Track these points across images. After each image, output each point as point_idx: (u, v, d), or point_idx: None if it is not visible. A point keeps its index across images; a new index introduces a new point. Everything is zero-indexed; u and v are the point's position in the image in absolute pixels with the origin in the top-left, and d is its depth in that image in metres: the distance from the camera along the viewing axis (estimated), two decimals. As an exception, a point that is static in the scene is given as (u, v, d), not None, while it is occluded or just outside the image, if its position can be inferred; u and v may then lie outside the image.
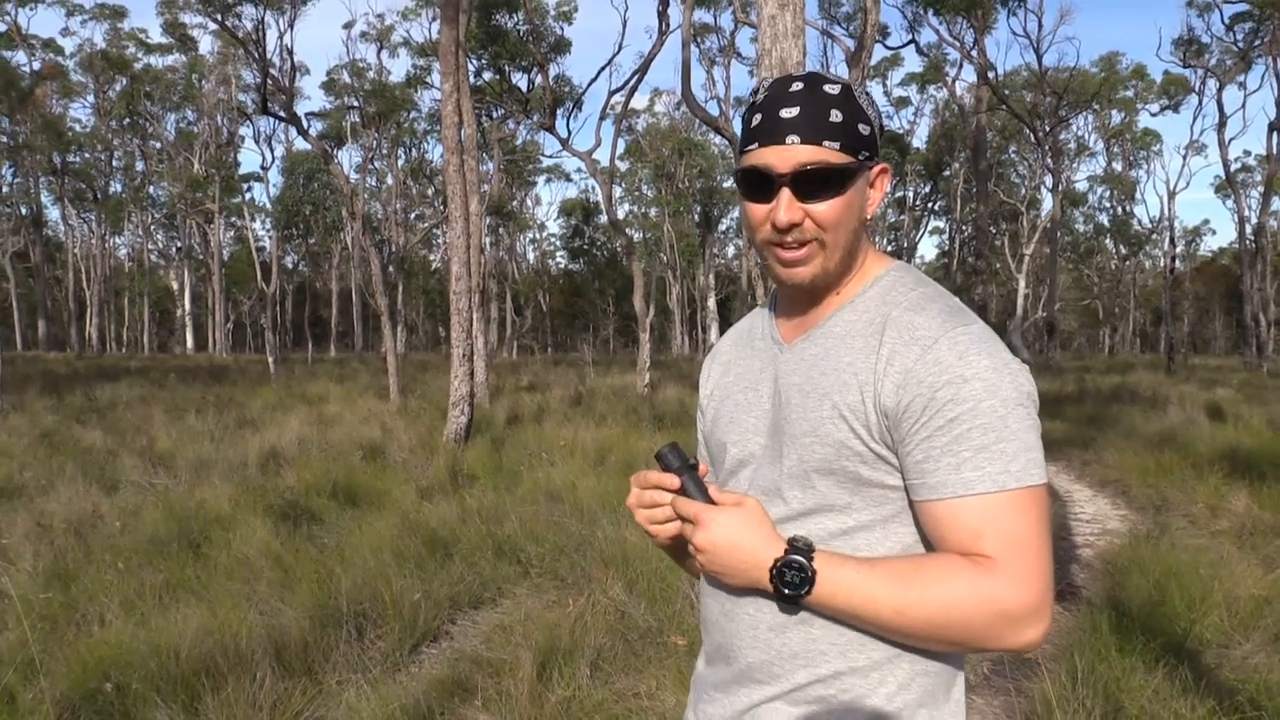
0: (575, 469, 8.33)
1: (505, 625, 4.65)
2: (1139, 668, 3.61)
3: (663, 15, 18.17)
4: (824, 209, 1.19)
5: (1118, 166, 52.39)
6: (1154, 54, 65.76)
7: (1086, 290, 63.28)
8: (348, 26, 45.69)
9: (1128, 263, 58.62)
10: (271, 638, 4.20)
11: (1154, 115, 44.25)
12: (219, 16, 18.59)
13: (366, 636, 4.61)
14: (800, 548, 1.14)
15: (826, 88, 1.19)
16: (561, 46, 24.52)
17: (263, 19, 18.21)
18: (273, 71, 18.25)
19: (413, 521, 6.29)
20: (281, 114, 17.84)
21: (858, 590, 1.13)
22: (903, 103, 49.95)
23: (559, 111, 23.44)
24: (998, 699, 4.06)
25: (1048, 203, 38.18)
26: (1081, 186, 53.41)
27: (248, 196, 55.35)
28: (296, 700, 3.66)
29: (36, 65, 46.00)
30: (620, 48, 48.46)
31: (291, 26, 21.57)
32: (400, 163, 47.66)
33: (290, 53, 20.63)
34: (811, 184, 1.18)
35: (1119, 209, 53.73)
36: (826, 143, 1.18)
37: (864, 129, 1.21)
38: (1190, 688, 3.38)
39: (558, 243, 61.46)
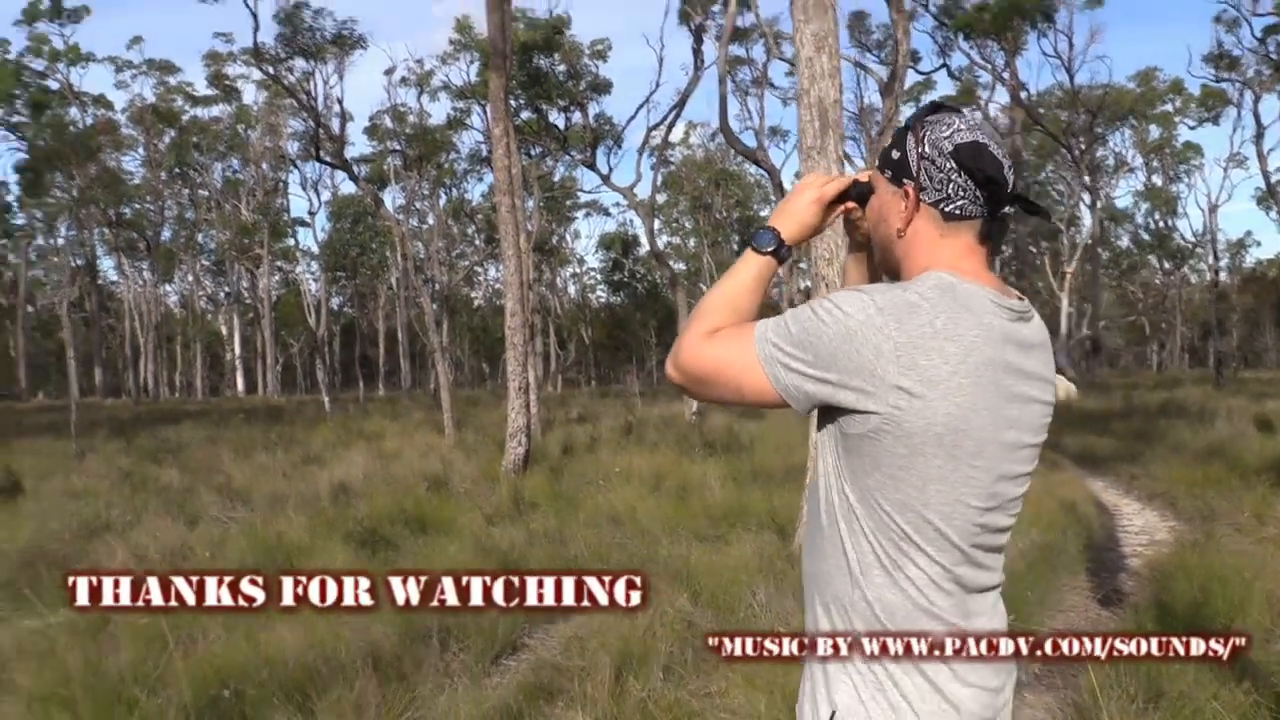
0: (632, 494, 8.67)
1: (579, 636, 4.96)
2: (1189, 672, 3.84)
3: (697, 53, 18.68)
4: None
5: (1158, 181, 52.06)
6: (1185, 70, 65.51)
7: (1131, 306, 62.69)
8: (389, 73, 46.68)
9: (1172, 277, 58.04)
10: (366, 650, 4.54)
11: (1193, 129, 44.05)
12: (270, 69, 19.40)
13: (450, 649, 4.93)
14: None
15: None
16: (601, 87, 25.12)
17: (313, 71, 18.97)
18: (323, 121, 18.98)
19: (484, 545, 6.64)
20: (333, 161, 18.51)
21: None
22: (937, 126, 50.04)
23: (599, 149, 24.00)
24: (1049, 694, 4.30)
25: (1088, 220, 38.08)
26: (1122, 202, 53.14)
27: (291, 242, 56.72)
28: (397, 703, 3.99)
29: (89, 120, 47.62)
30: (657, 85, 49.40)
31: (341, 77, 22.31)
32: (441, 203, 48.58)
33: (340, 102, 21.40)
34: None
35: (1161, 224, 53.34)
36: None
37: (894, 154, 1.54)
38: (1227, 676, 3.61)
39: (598, 276, 62.10)
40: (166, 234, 54.08)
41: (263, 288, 50.14)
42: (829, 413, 1.45)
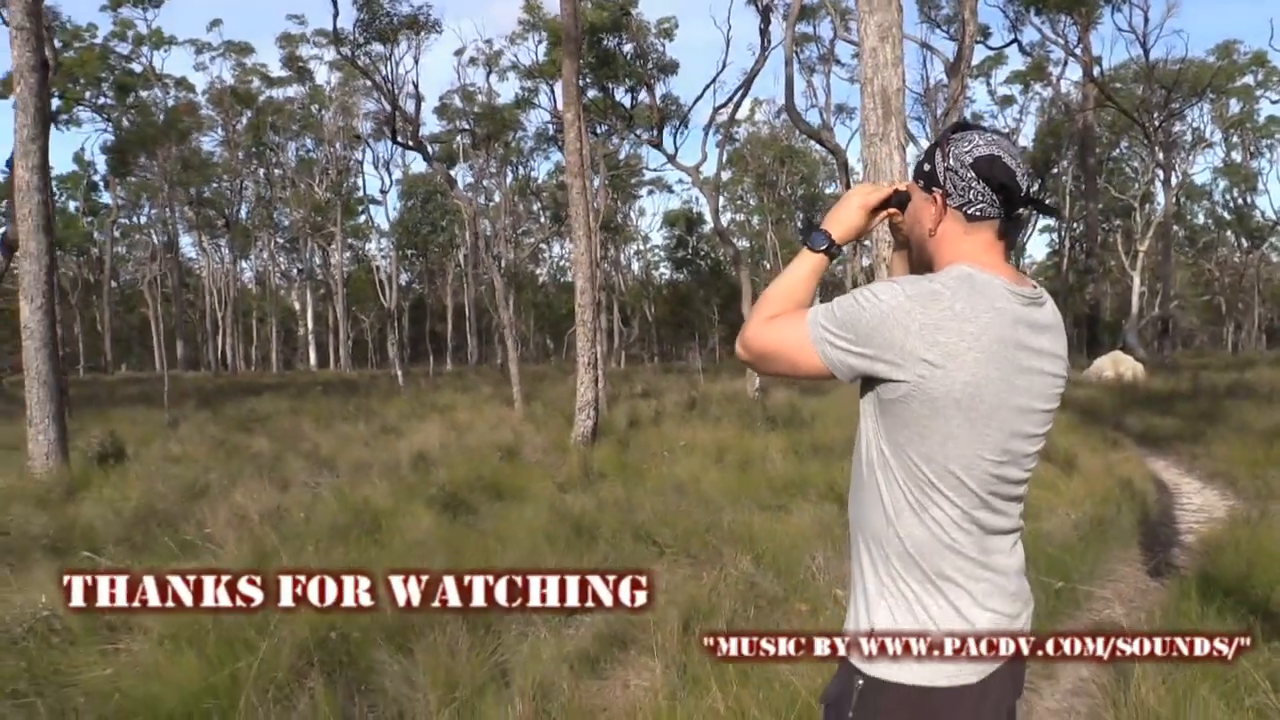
0: (697, 465, 9.03)
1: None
2: (1215, 620, 4.10)
3: (764, 33, 18.81)
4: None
5: (1237, 157, 50.70)
6: (1268, 43, 63.50)
7: (1207, 286, 61.16)
8: (458, 53, 47.43)
9: (1250, 256, 56.50)
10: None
11: (1275, 103, 42.87)
12: (349, 53, 20.00)
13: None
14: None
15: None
16: (668, 67, 25.33)
17: (391, 55, 19.51)
18: (398, 104, 19.54)
19: (558, 510, 7.05)
20: (409, 143, 19.07)
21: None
22: (1007, 101, 49.34)
23: (665, 128, 24.25)
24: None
25: (1162, 197, 37.34)
26: (1200, 179, 51.86)
27: (362, 219, 57.93)
28: (485, 648, 4.40)
29: (171, 102, 49.13)
30: (724, 65, 49.40)
31: (416, 61, 22.83)
32: (508, 181, 49.24)
33: (415, 85, 21.92)
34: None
35: (1239, 200, 51.95)
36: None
37: (925, 166, 1.86)
38: (1259, 635, 3.86)
39: (662, 254, 62.37)
40: (243, 212, 55.62)
41: (335, 264, 51.32)
42: (869, 382, 1.78)
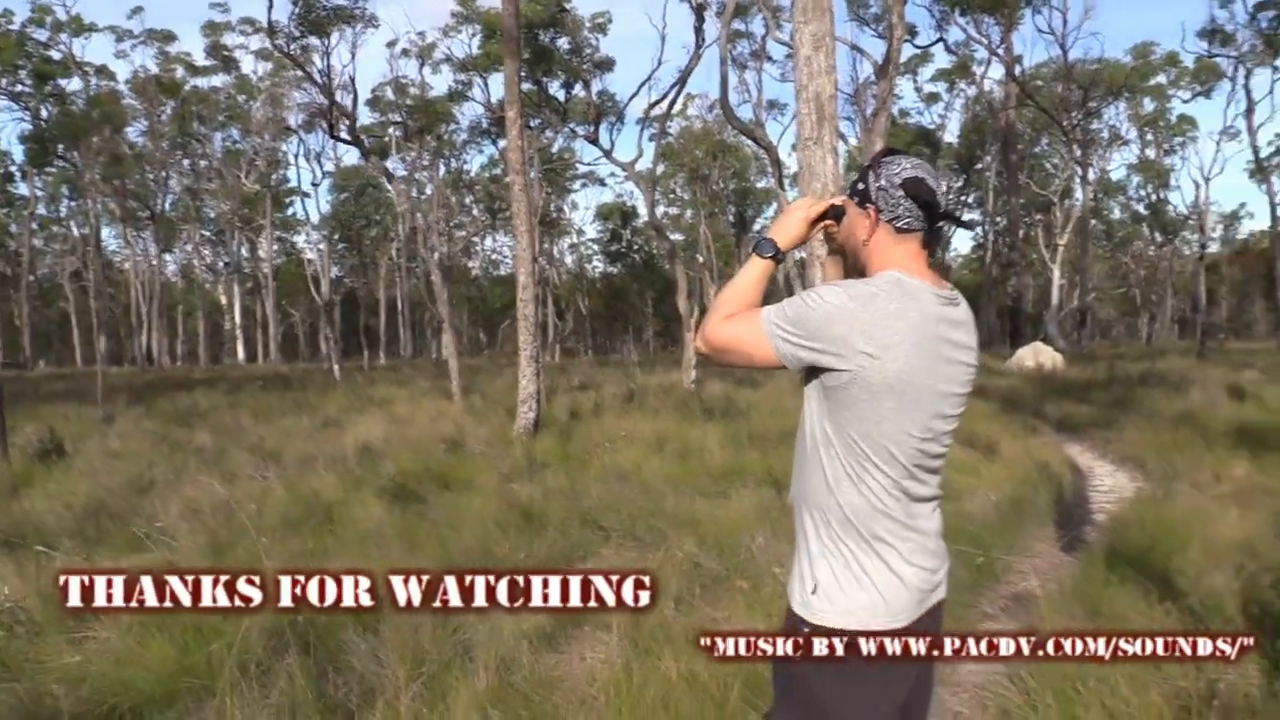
0: (638, 455, 9.33)
1: (599, 575, 5.61)
2: (1119, 588, 4.51)
3: (699, 31, 19.14)
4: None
5: (1151, 154, 52.55)
6: (1179, 44, 65.97)
7: (1123, 279, 63.32)
8: (391, 45, 47.05)
9: (1164, 249, 58.63)
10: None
11: (1186, 102, 44.55)
12: (285, 46, 19.84)
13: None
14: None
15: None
16: (604, 65, 25.56)
17: (327, 48, 19.42)
18: (335, 98, 19.47)
19: (506, 499, 7.29)
20: (346, 137, 19.03)
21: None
22: (933, 98, 50.47)
23: (602, 124, 24.50)
24: (1011, 622, 4.97)
25: (1080, 193, 38.62)
26: (1117, 175, 53.62)
27: (291, 212, 57.14)
28: (447, 627, 4.63)
29: (91, 91, 47.91)
30: (659, 62, 50.02)
31: (353, 56, 22.69)
32: (441, 173, 48.99)
33: (353, 80, 21.83)
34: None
35: (1154, 196, 53.87)
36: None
37: (860, 185, 2.17)
38: (1155, 598, 4.28)
39: (595, 247, 62.57)
40: (168, 204, 54.49)
41: (265, 257, 50.57)
42: (814, 371, 2.08)
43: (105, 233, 57.83)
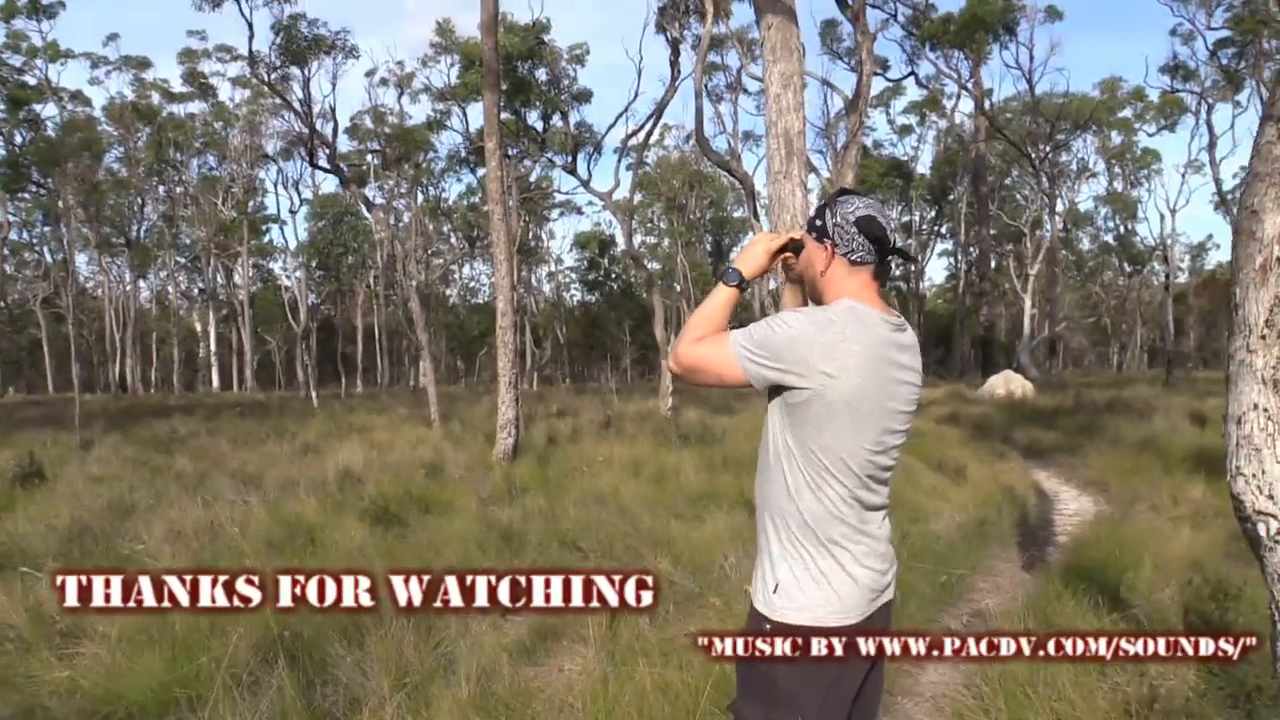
0: (615, 479, 9.51)
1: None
2: (1071, 601, 4.74)
3: (674, 64, 19.52)
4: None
5: (1119, 186, 53.55)
6: (1142, 79, 67.68)
7: (1094, 308, 64.22)
8: (370, 74, 47.23)
9: (1133, 279, 59.58)
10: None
11: (1152, 136, 45.50)
12: (264, 75, 20.05)
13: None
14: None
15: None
16: (582, 96, 25.96)
17: (307, 79, 19.63)
18: (316, 127, 19.68)
19: (486, 520, 7.46)
20: (326, 166, 19.23)
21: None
22: (905, 130, 51.26)
23: (580, 155, 24.85)
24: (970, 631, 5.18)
25: (1049, 224, 39.33)
26: (1085, 206, 54.55)
27: (267, 239, 57.13)
28: (430, 640, 4.80)
29: (65, 116, 47.86)
30: (636, 95, 50.63)
31: (334, 86, 22.94)
32: (418, 201, 49.20)
33: (333, 110, 22.09)
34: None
35: (1122, 227, 54.83)
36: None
37: (818, 221, 2.39)
38: (1104, 610, 4.51)
39: (573, 275, 62.87)
40: (143, 230, 54.32)
41: (240, 284, 50.48)
42: (777, 389, 2.30)
43: (79, 259, 57.64)
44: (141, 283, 62.03)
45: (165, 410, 25.16)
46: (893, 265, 2.50)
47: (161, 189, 53.54)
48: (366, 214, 33.46)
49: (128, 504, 8.96)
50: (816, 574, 2.30)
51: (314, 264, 44.03)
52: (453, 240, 53.27)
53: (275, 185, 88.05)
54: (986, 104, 31.20)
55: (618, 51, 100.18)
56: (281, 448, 13.26)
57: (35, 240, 58.24)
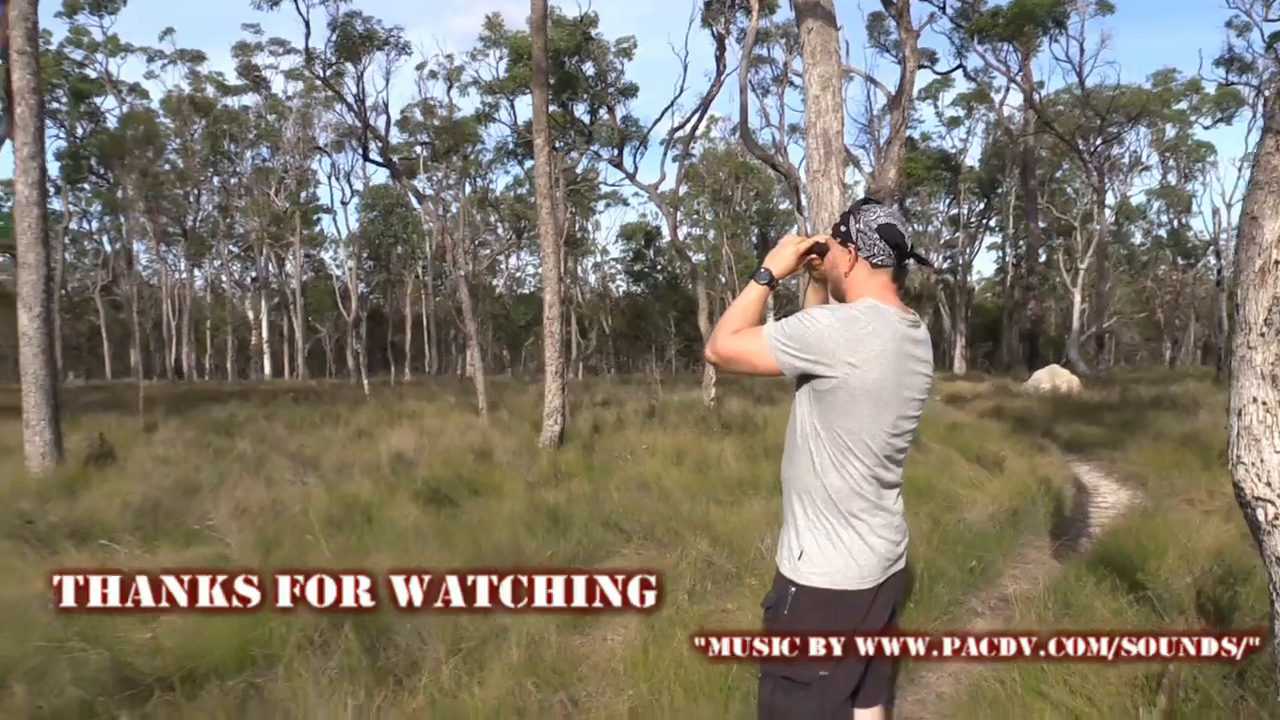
0: (658, 466, 9.80)
1: (619, 569, 6.09)
2: (1092, 585, 4.95)
3: (719, 59, 19.71)
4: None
5: (1173, 179, 52.75)
6: (1196, 71, 66.41)
7: (1146, 303, 63.32)
8: (420, 67, 48.03)
9: (1186, 274, 58.68)
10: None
11: (1207, 128, 44.76)
12: (321, 71, 20.60)
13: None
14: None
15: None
16: (628, 91, 26.24)
17: (361, 75, 20.14)
18: (370, 121, 20.18)
19: (534, 502, 7.78)
20: (379, 159, 19.70)
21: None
22: (954, 122, 50.92)
23: (626, 148, 25.14)
24: (996, 619, 5.41)
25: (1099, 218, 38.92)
26: (1138, 200, 53.80)
27: (319, 229, 58.15)
28: (476, 618, 5.12)
29: (124, 109, 49.15)
30: (682, 89, 50.89)
31: (387, 81, 23.45)
32: (466, 192, 49.83)
33: (386, 105, 22.58)
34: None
35: (1175, 221, 54.01)
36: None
37: (843, 227, 2.66)
38: (1122, 593, 4.72)
39: (619, 266, 63.24)
40: (198, 220, 55.57)
41: (293, 274, 51.48)
42: (805, 377, 2.57)
43: (136, 247, 59.08)
44: (196, 271, 63.54)
45: (221, 396, 25.88)
46: (909, 268, 2.77)
47: (216, 180, 54.74)
48: (416, 205, 34.07)
49: (194, 483, 9.41)
50: (838, 543, 2.57)
51: (365, 254, 44.80)
52: (499, 231, 53.84)
53: (330, 178, 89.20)
54: (1036, 97, 30.95)
55: (663, 43, 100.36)
56: (336, 432, 13.74)
57: (95, 230, 59.85)
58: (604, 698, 4.02)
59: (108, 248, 57.22)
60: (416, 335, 59.59)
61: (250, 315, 62.80)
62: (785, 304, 38.10)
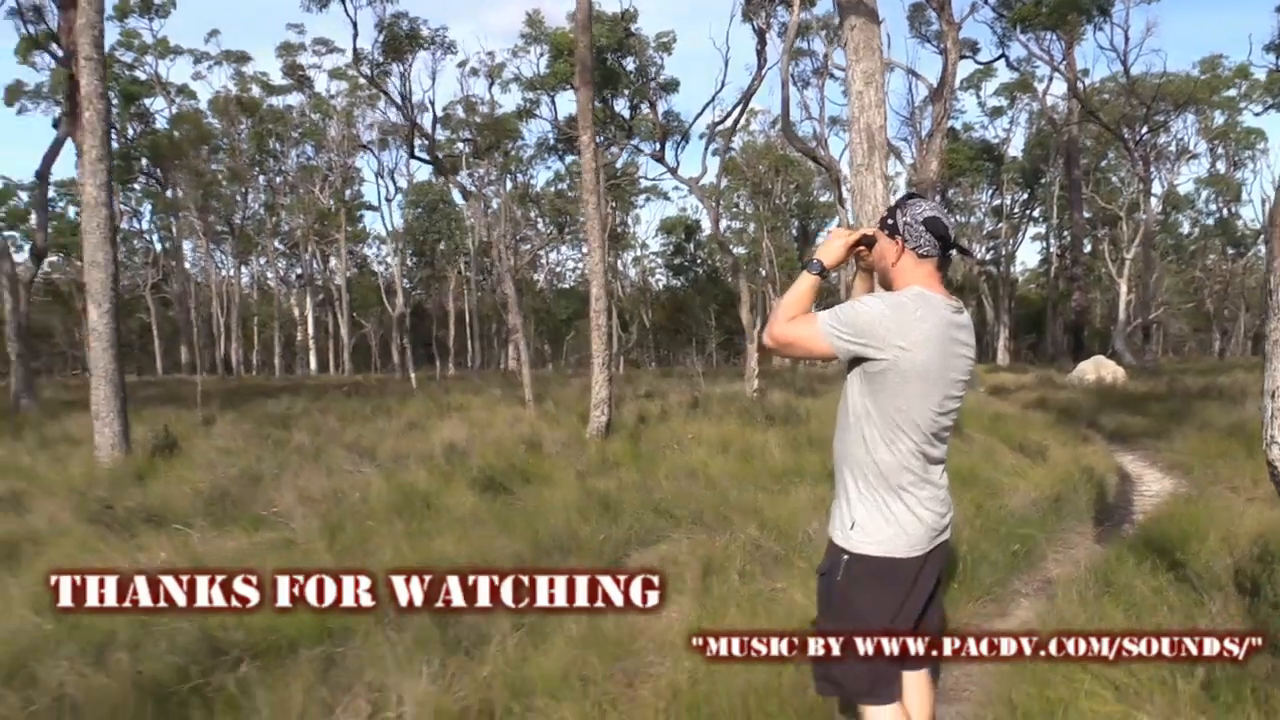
0: (704, 455, 10.02)
1: (670, 555, 6.31)
2: (1132, 565, 5.10)
3: (760, 53, 19.84)
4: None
5: (1221, 167, 51.94)
6: (1246, 57, 65.21)
7: (1195, 293, 62.36)
8: (461, 65, 48.47)
9: (1236, 263, 57.74)
10: (510, 556, 5.96)
11: (1257, 115, 44.06)
12: (368, 72, 21.02)
13: (567, 562, 6.32)
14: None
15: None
16: (669, 86, 26.43)
17: (407, 74, 20.51)
18: (416, 120, 20.57)
19: (586, 489, 8.03)
20: (425, 157, 20.10)
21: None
22: (997, 112, 50.54)
23: (667, 143, 25.35)
24: (1040, 598, 5.57)
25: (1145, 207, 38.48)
26: (1185, 189, 53.04)
27: (361, 225, 58.96)
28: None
29: (173, 110, 50.20)
30: (723, 84, 51.06)
31: (434, 80, 23.83)
32: (507, 188, 50.26)
33: (432, 104, 22.96)
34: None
35: (1224, 210, 53.18)
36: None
37: (889, 220, 2.86)
38: (1161, 571, 4.86)
39: (659, 260, 63.44)
40: (245, 218, 56.59)
41: (338, 270, 52.25)
42: (856, 360, 2.78)
43: (184, 246, 60.24)
44: (242, 269, 64.66)
45: (271, 390, 26.45)
46: (952, 258, 2.97)
47: (261, 179, 55.68)
48: (460, 201, 34.52)
49: (256, 473, 9.76)
50: (888, 514, 2.78)
51: (409, 250, 45.42)
52: (540, 226, 54.24)
53: (378, 176, 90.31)
54: (1080, 86, 30.68)
55: (701, 36, 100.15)
56: (388, 424, 14.10)
57: (145, 229, 61.13)
58: (663, 667, 4.24)
59: (157, 246, 58.48)
60: (459, 330, 60.23)
61: (295, 311, 63.84)
62: (827, 297, 38.10)
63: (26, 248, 44.78)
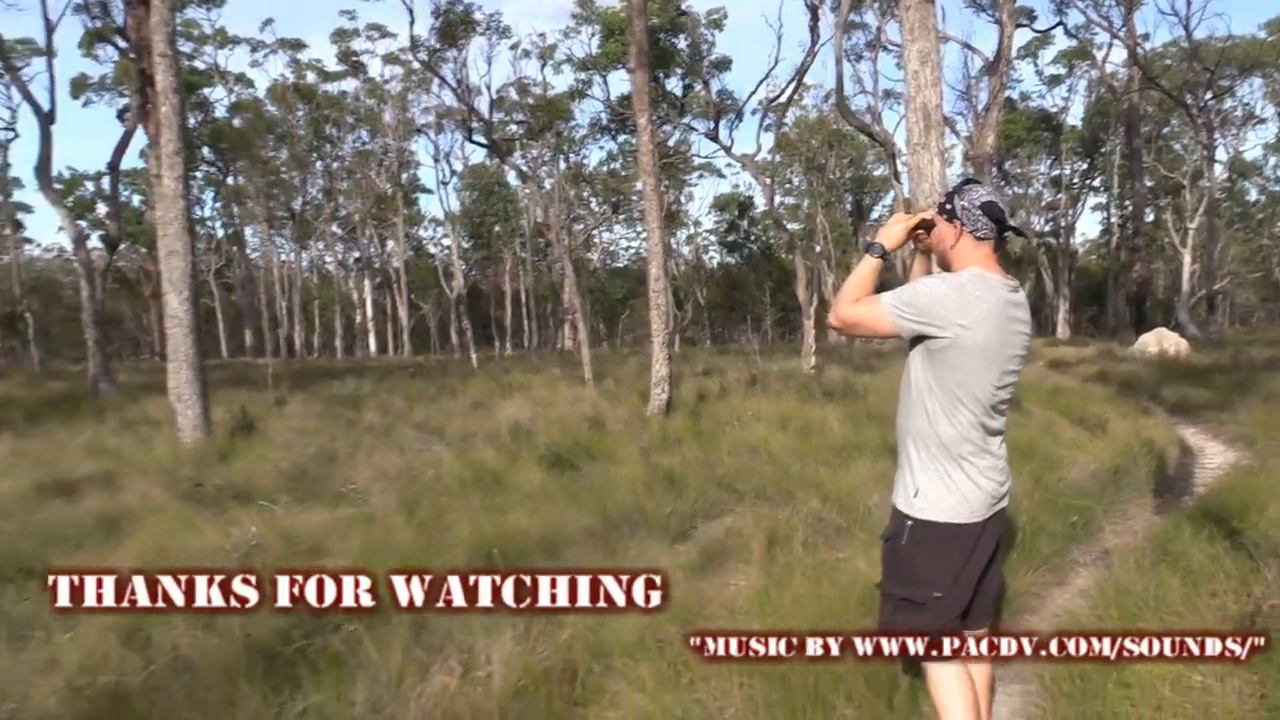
0: (764, 431, 10.21)
1: (735, 528, 6.54)
2: (1189, 534, 5.21)
3: (813, 29, 19.80)
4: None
5: (1290, 132, 50.45)
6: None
7: (1262, 262, 60.80)
8: (514, 47, 48.85)
9: (1306, 231, 56.19)
10: (584, 530, 6.24)
11: (1327, 78, 42.68)
12: (424, 58, 21.36)
13: (636, 535, 6.57)
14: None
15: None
16: (722, 64, 26.46)
17: (465, 61, 20.81)
18: (473, 104, 20.88)
19: (650, 465, 8.28)
20: (482, 141, 20.41)
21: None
22: (1055, 81, 49.54)
23: (721, 121, 25.42)
24: (1098, 567, 5.70)
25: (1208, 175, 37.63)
26: (1253, 155, 51.66)
27: (416, 209, 59.70)
28: (617, 558, 5.64)
29: (232, 99, 51.18)
30: (776, 61, 50.69)
31: (489, 65, 24.07)
32: (560, 168, 50.53)
33: (489, 88, 23.26)
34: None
35: (1293, 176, 51.73)
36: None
37: (948, 205, 3.03)
38: (1218, 540, 4.98)
39: (712, 238, 63.35)
40: (302, 204, 57.57)
41: (396, 253, 53.04)
42: (919, 338, 2.97)
43: (246, 232, 61.47)
44: (302, 254, 65.84)
45: (336, 372, 27.09)
46: (1008, 240, 3.14)
47: (319, 164, 56.56)
48: (516, 183, 34.87)
49: (332, 451, 10.17)
50: (949, 483, 2.97)
51: (465, 232, 46.01)
52: (594, 206, 54.46)
53: (437, 161, 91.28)
54: (1140, 52, 30.06)
55: (750, 10, 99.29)
56: (453, 404, 14.49)
57: (207, 216, 62.46)
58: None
59: (219, 233, 59.74)
60: (515, 310, 60.81)
61: (354, 295, 64.90)
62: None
63: (93, 236, 46.00)
